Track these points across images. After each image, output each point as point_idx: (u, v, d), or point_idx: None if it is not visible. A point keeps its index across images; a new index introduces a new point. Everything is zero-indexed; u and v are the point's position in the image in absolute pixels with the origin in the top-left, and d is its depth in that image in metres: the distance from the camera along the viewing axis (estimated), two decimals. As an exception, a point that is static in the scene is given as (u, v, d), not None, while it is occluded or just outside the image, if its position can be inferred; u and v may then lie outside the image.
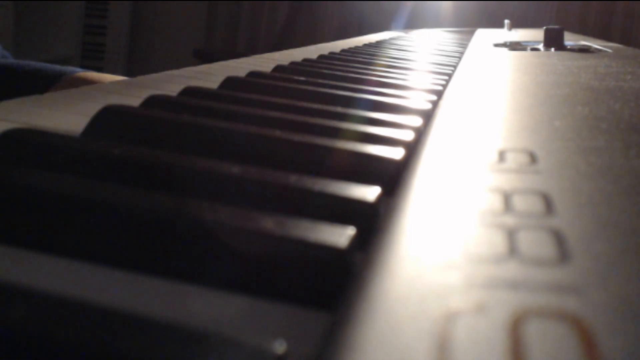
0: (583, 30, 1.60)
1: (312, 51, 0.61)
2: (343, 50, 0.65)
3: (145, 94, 0.29)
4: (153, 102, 0.28)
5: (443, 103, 0.31)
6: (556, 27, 0.74)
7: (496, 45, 0.74)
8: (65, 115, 0.26)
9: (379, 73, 0.46)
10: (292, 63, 0.51)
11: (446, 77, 0.46)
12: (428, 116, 0.30)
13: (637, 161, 0.18)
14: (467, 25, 1.72)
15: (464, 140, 0.21)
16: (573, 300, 0.10)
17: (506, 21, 1.20)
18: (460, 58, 0.62)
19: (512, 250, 0.12)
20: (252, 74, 0.41)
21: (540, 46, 0.72)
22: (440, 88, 0.40)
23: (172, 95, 0.32)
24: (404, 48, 0.73)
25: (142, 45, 2.43)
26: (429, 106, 0.33)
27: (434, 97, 0.36)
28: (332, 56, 0.57)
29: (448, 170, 0.18)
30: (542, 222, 0.14)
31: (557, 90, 0.33)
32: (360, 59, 0.55)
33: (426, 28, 1.43)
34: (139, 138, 0.23)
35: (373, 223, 0.17)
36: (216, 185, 0.19)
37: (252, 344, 0.10)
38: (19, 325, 0.11)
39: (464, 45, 0.80)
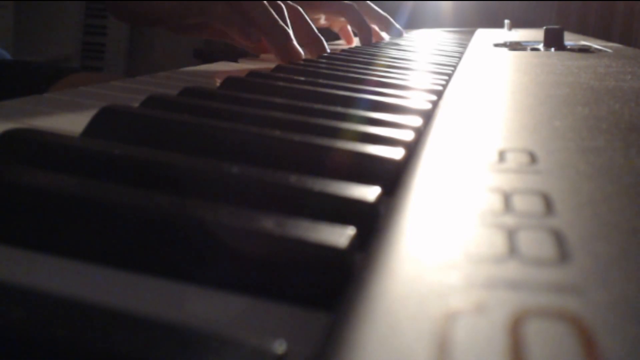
0: (583, 30, 1.60)
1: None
2: (343, 50, 0.65)
3: (145, 94, 0.29)
4: (152, 102, 0.28)
5: (443, 103, 0.31)
6: (556, 27, 0.74)
7: (496, 45, 0.74)
8: (65, 115, 0.26)
9: (379, 73, 0.46)
10: (293, 63, 0.51)
11: (446, 77, 0.46)
12: (428, 116, 0.30)
13: (637, 161, 0.18)
14: (467, 25, 1.72)
15: (464, 140, 0.21)
16: (573, 300, 0.10)
17: (506, 21, 1.20)
18: (460, 58, 0.62)
19: (512, 250, 0.12)
20: (252, 74, 0.41)
21: (540, 46, 0.72)
22: (440, 88, 0.40)
23: (172, 95, 0.32)
24: (404, 48, 0.73)
25: (142, 45, 2.43)
26: (429, 106, 0.33)
27: (434, 97, 0.36)
28: (332, 56, 0.57)
29: (448, 170, 0.18)
30: (542, 222, 0.14)
31: (557, 90, 0.33)
32: (360, 59, 0.55)
33: (426, 28, 1.43)
34: (139, 138, 0.23)
35: (373, 223, 0.17)
36: (216, 185, 0.19)
37: (252, 344, 0.10)
38: (19, 325, 0.11)
39: (463, 45, 0.80)
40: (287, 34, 0.54)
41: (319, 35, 0.61)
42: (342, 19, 0.79)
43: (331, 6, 0.75)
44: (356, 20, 0.77)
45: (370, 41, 0.80)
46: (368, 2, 0.85)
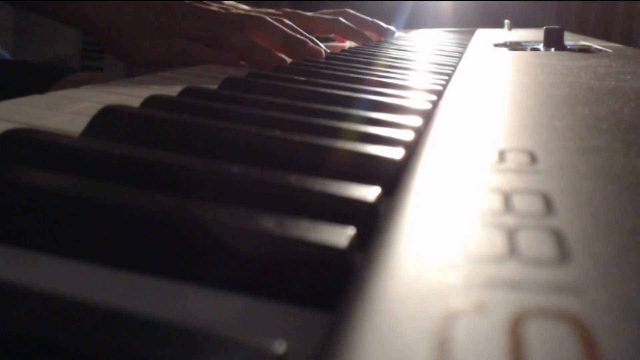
0: (583, 30, 1.60)
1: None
2: (343, 50, 0.65)
3: (145, 94, 0.29)
4: (153, 102, 0.28)
5: (443, 103, 0.31)
6: (556, 27, 0.74)
7: (496, 45, 0.74)
8: (65, 115, 0.26)
9: (379, 73, 0.46)
10: (292, 63, 0.51)
11: (446, 77, 0.46)
12: (428, 116, 0.30)
13: (637, 161, 0.18)
14: (467, 25, 1.72)
15: (464, 140, 0.21)
16: (573, 300, 0.10)
17: (506, 21, 1.20)
18: (460, 58, 0.62)
19: (512, 250, 0.12)
20: (252, 74, 0.41)
21: (540, 46, 0.72)
22: (440, 88, 0.40)
23: (172, 95, 0.32)
24: (404, 48, 0.73)
25: (142, 45, 2.42)
26: (428, 106, 0.33)
27: (434, 97, 0.36)
28: (332, 56, 0.57)
29: (448, 170, 0.18)
30: (542, 222, 0.14)
31: (557, 90, 0.33)
32: (360, 59, 0.55)
33: (426, 28, 1.43)
34: (139, 138, 0.23)
35: (373, 223, 0.17)
36: (216, 185, 0.19)
37: (252, 344, 0.10)
38: (19, 325, 0.11)
39: (463, 45, 0.80)
40: (301, 40, 0.55)
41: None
42: (332, 35, 0.80)
43: (319, 24, 0.76)
44: (347, 31, 0.78)
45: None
46: (351, 11, 0.86)
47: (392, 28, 0.92)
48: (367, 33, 0.84)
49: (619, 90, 0.33)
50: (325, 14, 0.81)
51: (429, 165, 0.18)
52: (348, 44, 0.83)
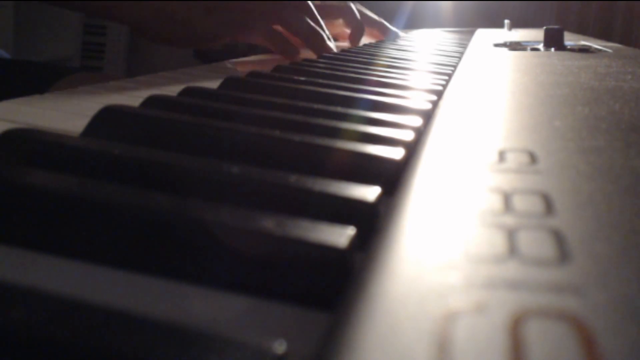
0: (583, 30, 1.60)
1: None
2: (343, 50, 0.65)
3: (145, 94, 0.29)
4: (153, 102, 0.28)
5: (443, 103, 0.31)
6: (556, 27, 0.74)
7: (496, 45, 0.74)
8: (65, 115, 0.26)
9: (379, 73, 0.46)
10: (292, 63, 0.51)
11: (446, 77, 0.46)
12: (428, 116, 0.30)
13: (637, 161, 0.18)
14: (467, 25, 1.72)
15: (464, 140, 0.21)
16: (573, 300, 0.10)
17: (506, 21, 1.20)
18: (460, 58, 0.62)
19: (512, 250, 0.12)
20: (252, 74, 0.41)
21: (540, 46, 0.72)
22: (440, 88, 0.40)
23: (172, 95, 0.32)
24: (404, 48, 0.73)
25: (142, 45, 2.43)
26: (428, 106, 0.33)
27: (434, 97, 0.36)
28: (332, 56, 0.57)
29: (448, 170, 0.18)
30: (542, 222, 0.14)
31: (557, 90, 0.33)
32: (360, 59, 0.55)
33: (426, 28, 1.43)
34: (139, 138, 0.23)
35: (373, 223, 0.17)
36: (216, 185, 0.19)
37: (252, 344, 0.10)
38: (19, 325, 0.11)
39: (463, 45, 0.80)
40: (323, 37, 0.59)
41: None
42: (341, 20, 0.80)
43: (330, 8, 0.76)
44: (353, 21, 0.78)
45: (358, 41, 0.80)
46: (361, 7, 0.86)
47: (397, 31, 0.92)
48: (372, 31, 0.84)
49: (619, 90, 0.33)
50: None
51: (429, 165, 0.18)
52: (347, 43, 0.83)
